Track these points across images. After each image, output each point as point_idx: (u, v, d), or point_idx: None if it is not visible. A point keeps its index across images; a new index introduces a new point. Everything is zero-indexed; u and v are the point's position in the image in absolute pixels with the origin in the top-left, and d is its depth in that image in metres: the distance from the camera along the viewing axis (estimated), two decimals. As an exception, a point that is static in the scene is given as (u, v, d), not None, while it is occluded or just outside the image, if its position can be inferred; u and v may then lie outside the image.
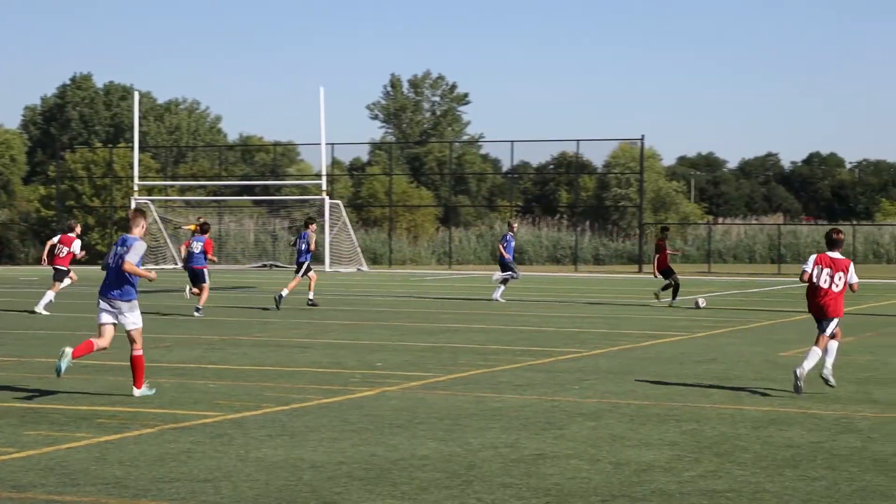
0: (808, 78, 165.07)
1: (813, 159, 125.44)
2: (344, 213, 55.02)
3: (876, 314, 26.41)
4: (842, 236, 13.81)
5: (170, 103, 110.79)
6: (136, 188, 56.74)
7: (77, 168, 64.89)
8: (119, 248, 12.65)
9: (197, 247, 25.90)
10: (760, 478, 8.82)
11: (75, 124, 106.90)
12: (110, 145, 75.79)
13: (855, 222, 76.01)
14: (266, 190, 71.37)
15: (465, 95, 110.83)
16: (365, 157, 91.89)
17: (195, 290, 25.70)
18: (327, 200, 53.57)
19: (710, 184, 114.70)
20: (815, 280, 13.48)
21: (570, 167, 75.83)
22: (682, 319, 23.96)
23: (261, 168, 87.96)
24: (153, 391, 12.74)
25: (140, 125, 60.77)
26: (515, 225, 32.00)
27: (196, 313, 24.22)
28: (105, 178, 63.84)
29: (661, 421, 11.35)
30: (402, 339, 19.76)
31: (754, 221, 72.32)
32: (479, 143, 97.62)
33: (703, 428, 10.98)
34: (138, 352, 12.72)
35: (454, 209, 70.39)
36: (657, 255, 29.24)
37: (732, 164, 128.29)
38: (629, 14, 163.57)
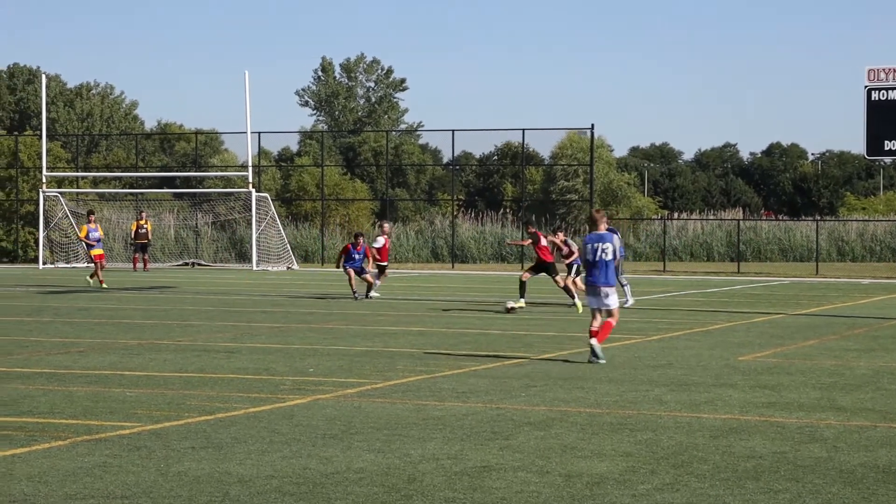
0: (767, 64, 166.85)
1: (773, 150, 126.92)
2: (272, 208, 54.85)
3: (840, 315, 26.75)
4: None
5: (81, 87, 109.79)
6: (44, 180, 56.17)
7: (-21, 158, 64.07)
8: None
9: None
10: (720, 490, 8.90)
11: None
12: (15, 133, 74.98)
13: (818, 218, 76.94)
14: (187, 182, 70.93)
15: (403, 81, 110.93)
16: (294, 147, 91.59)
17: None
18: (254, 193, 53.37)
19: (664, 176, 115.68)
20: None
21: (515, 158, 76.13)
22: (636, 321, 24.12)
23: (181, 158, 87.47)
24: None
25: (48, 111, 60.17)
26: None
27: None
28: (10, 169, 63.10)
29: (615, 430, 11.42)
30: (335, 342, 19.74)
31: (712, 217, 72.96)
32: (418, 133, 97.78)
33: (659, 437, 11.06)
34: None
35: (391, 203, 70.40)
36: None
37: (688, 155, 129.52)
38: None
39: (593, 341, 16.94)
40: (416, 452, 10.20)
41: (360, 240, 31.07)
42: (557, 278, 27.83)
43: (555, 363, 17.02)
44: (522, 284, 27.72)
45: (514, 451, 10.35)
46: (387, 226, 34.78)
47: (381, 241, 32.63)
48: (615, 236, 17.72)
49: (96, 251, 37.30)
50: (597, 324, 17.14)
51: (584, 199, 63.47)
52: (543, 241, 27.97)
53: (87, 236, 38.53)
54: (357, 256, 30.69)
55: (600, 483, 9.10)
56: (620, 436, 11.11)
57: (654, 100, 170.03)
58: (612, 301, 17.26)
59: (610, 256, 17.09)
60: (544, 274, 28.42)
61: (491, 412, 12.46)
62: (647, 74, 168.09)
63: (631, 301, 28.48)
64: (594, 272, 17.07)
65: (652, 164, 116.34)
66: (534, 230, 28.54)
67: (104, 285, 35.59)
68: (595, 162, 60.19)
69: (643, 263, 58.26)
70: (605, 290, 17.15)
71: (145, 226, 50.87)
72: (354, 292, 30.64)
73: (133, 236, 51.87)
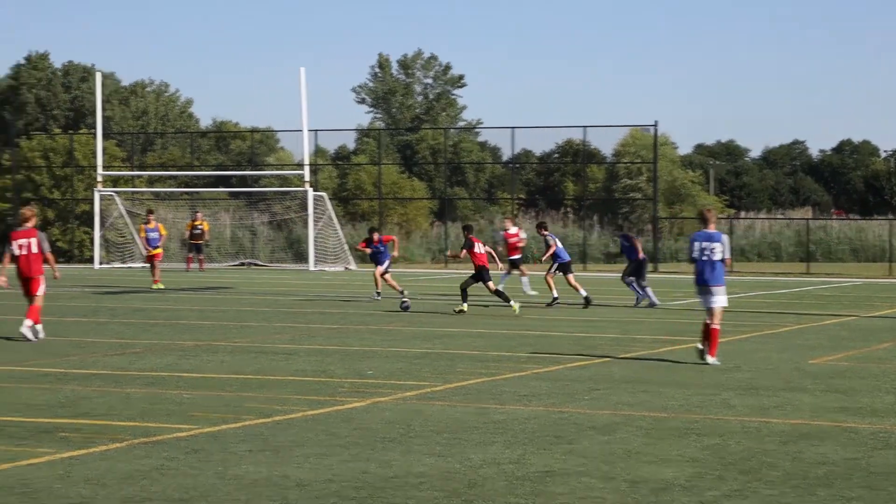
0: (838, 58, 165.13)
1: (844, 147, 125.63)
2: (329, 207, 55.00)
3: (914, 317, 26.44)
4: None
5: (136, 85, 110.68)
6: (99, 178, 56.65)
7: (34, 157, 64.81)
8: None
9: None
10: (791, 498, 8.84)
11: (31, 108, 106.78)
12: (70, 131, 75.75)
13: (891, 217, 76.11)
14: (243, 181, 71.31)
15: (461, 77, 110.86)
16: (351, 145, 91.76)
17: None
18: (310, 192, 53.53)
19: (730, 174, 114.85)
20: None
21: (576, 156, 75.91)
22: (700, 323, 23.96)
23: (237, 157, 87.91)
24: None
25: (103, 109, 60.67)
26: None
27: None
28: (66, 168, 63.75)
29: (681, 435, 11.36)
30: (394, 344, 19.78)
31: (780, 216, 72.42)
32: (477, 130, 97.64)
33: (727, 443, 11.00)
34: None
35: (450, 202, 70.43)
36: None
37: (755, 152, 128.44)
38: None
39: (709, 358, 17.26)
40: (477, 457, 10.21)
41: (375, 235, 30.93)
42: (489, 283, 27.78)
43: (619, 366, 16.97)
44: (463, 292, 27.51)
45: (578, 455, 10.33)
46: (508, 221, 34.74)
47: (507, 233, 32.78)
48: (725, 236, 17.80)
49: (154, 250, 37.59)
50: (714, 319, 17.38)
51: (648, 197, 63.17)
52: (478, 248, 28.01)
53: (145, 236, 38.87)
54: (382, 249, 30.58)
55: (666, 489, 9.06)
56: (687, 441, 11.05)
57: (719, 96, 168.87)
58: (721, 300, 17.52)
59: (718, 256, 17.37)
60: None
61: (553, 416, 12.44)
62: (712, 70, 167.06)
63: (655, 302, 28.64)
64: (703, 271, 17.30)
65: (717, 162, 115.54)
66: (470, 236, 28.66)
67: (160, 285, 35.85)
68: (658, 160, 59.93)
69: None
70: (714, 288, 17.41)
71: (200, 226, 51.14)
72: (378, 293, 30.49)
73: (188, 236, 52.16)
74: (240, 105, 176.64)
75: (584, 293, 28.71)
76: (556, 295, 29.14)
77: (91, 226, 57.44)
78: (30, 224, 20.50)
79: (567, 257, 30.63)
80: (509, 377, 15.53)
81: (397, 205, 66.73)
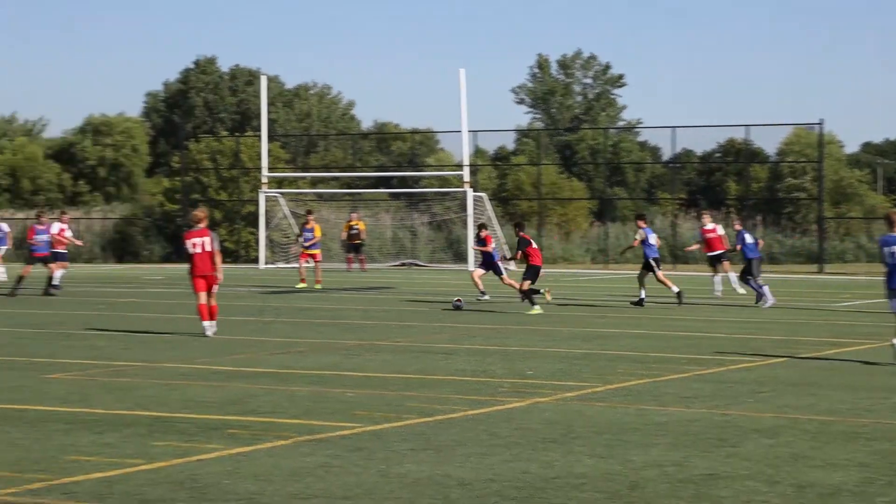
0: None
1: None
2: (489, 207, 55.11)
3: None
4: None
5: (299, 88, 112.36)
6: (264, 180, 57.62)
7: (202, 158, 66.19)
8: None
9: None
10: (964, 505, 8.58)
11: (199, 111, 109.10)
12: (237, 134, 77.19)
13: None
14: (403, 181, 71.93)
15: (621, 77, 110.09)
16: (510, 146, 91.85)
17: None
18: (470, 193, 53.71)
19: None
20: None
21: (738, 155, 74.84)
22: (869, 325, 23.45)
23: (398, 158, 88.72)
24: None
25: (268, 112, 61.72)
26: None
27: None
28: (232, 170, 64.98)
29: (849, 439, 11.12)
30: (554, 344, 19.73)
31: (951, 214, 70.29)
32: (637, 130, 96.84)
33: (897, 447, 10.73)
34: None
35: (610, 202, 70.02)
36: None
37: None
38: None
39: None
40: (638, 458, 10.13)
41: (483, 231, 30.98)
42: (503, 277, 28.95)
43: (784, 368, 16.68)
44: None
45: (742, 458, 10.18)
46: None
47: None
48: None
49: (311, 250, 38.08)
50: None
51: (812, 197, 61.99)
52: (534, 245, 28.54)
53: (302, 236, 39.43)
54: (492, 247, 30.66)
55: (834, 494, 8.88)
56: (855, 445, 10.81)
57: (887, 92, 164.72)
58: None
59: None
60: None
61: (717, 418, 12.28)
62: (879, 65, 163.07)
63: (770, 301, 27.99)
64: (893, 275, 16.97)
65: (886, 161, 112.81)
66: (522, 234, 28.88)
67: (319, 286, 36.31)
68: (824, 158, 58.76)
69: (878, 265, 56.55)
70: None
71: (356, 226, 51.64)
72: (483, 292, 30.36)
73: (345, 237, 52.72)
74: (400, 107, 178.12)
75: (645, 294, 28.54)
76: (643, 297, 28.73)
77: (256, 226, 58.43)
78: (202, 224, 21.24)
79: (656, 253, 29.89)
80: (671, 379, 15.37)
81: (556, 205, 66.52)
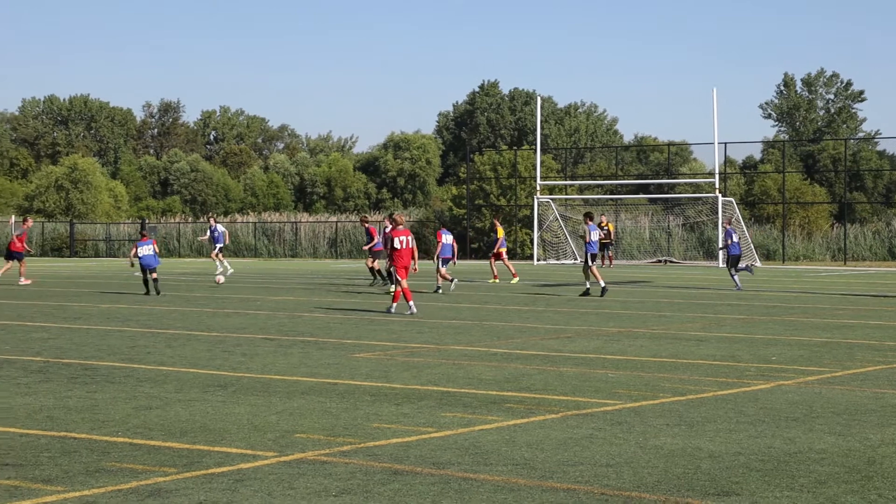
0: None
1: None
2: (736, 210, 54.00)
3: None
4: None
5: (569, 107, 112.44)
6: (538, 188, 57.95)
7: (485, 169, 67.00)
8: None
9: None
10: None
11: (483, 129, 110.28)
12: (515, 148, 77.79)
13: None
14: (660, 188, 71.10)
15: (861, 93, 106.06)
16: (757, 156, 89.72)
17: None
18: (720, 198, 52.77)
19: None
20: None
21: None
22: None
23: (655, 167, 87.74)
24: None
25: (542, 128, 62.01)
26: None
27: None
28: (510, 179, 65.54)
29: None
30: (796, 333, 19.14)
31: None
32: (876, 140, 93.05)
33: None
34: None
35: (849, 206, 67.52)
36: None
37: None
38: None
39: None
40: (875, 437, 9.72)
41: (599, 218, 30.77)
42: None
43: None
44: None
45: (974, 441, 9.63)
46: None
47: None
48: None
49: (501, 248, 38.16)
50: None
51: None
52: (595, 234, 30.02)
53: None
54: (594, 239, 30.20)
55: None
56: None
57: None
58: None
59: None
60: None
61: (949, 403, 11.66)
62: None
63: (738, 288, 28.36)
64: None
65: None
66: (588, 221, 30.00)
67: (515, 280, 36.20)
68: None
69: None
70: None
71: (606, 227, 51.43)
72: (603, 282, 29.23)
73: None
74: (658, 121, 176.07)
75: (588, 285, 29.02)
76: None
77: (531, 228, 58.78)
78: (402, 226, 23.62)
79: (594, 249, 29.92)
80: (906, 366, 14.68)
81: (799, 208, 64.62)
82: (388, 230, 24.93)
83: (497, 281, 36.09)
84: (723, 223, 37.87)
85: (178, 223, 79.47)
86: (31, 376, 13.26)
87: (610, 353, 16.02)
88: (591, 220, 30.33)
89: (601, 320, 21.72)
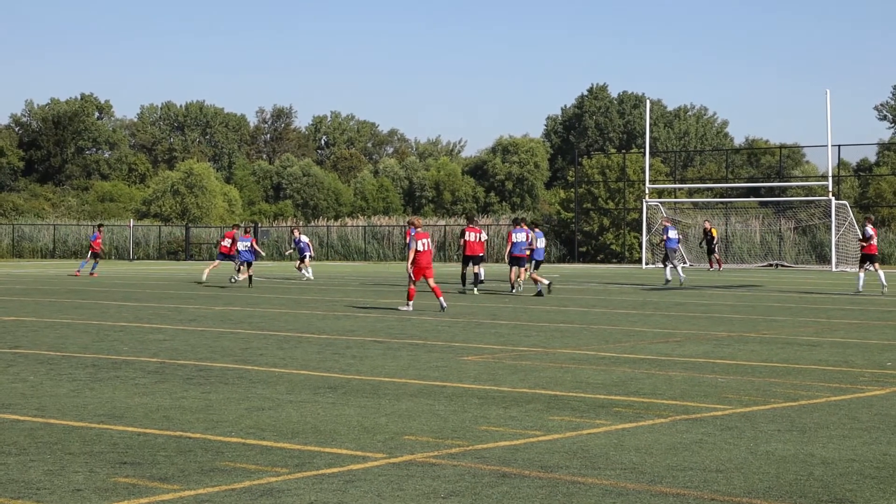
0: None
1: None
2: (850, 214, 52.88)
3: None
4: None
5: (679, 110, 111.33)
6: (647, 191, 57.46)
7: (593, 173, 66.69)
8: None
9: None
10: None
11: (591, 132, 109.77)
12: (623, 151, 77.28)
13: None
14: (771, 191, 70.00)
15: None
16: (872, 158, 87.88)
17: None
18: (833, 201, 51.74)
19: None
20: None
21: None
22: None
23: (766, 170, 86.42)
24: None
25: (651, 131, 61.58)
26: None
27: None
28: (619, 182, 65.12)
29: None
30: (912, 339, 18.66)
31: None
32: None
33: None
34: None
35: (967, 208, 65.74)
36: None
37: None
38: None
39: None
40: None
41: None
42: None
43: None
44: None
45: None
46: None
47: None
48: None
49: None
50: None
51: None
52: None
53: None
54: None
55: None
56: None
57: None
58: None
59: None
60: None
61: None
62: None
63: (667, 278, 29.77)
64: None
65: None
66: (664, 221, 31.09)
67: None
68: None
69: None
70: None
71: (710, 231, 50.91)
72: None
73: (702, 241, 52.00)
74: (770, 123, 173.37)
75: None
76: None
77: (640, 231, 58.31)
78: (421, 229, 24.66)
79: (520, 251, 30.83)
80: None
81: (916, 211, 63.04)
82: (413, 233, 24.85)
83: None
84: (662, 220, 40.18)
85: (290, 227, 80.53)
86: (148, 377, 13.55)
87: (719, 358, 15.80)
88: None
89: (710, 324, 21.45)
